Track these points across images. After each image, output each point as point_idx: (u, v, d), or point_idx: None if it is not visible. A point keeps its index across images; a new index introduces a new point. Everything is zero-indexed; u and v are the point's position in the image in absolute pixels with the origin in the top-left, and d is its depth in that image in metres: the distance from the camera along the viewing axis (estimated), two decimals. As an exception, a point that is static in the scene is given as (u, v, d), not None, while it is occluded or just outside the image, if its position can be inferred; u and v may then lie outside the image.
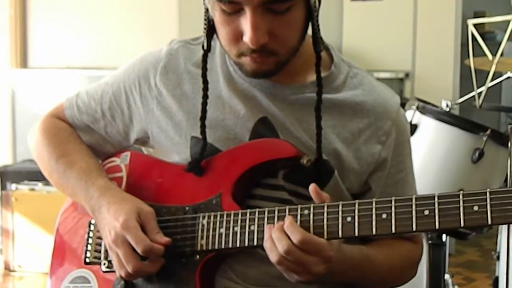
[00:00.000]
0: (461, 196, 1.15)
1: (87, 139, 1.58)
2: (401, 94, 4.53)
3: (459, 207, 1.14)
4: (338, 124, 1.42)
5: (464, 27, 3.33)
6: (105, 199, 1.42)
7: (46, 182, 4.05)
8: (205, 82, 1.42)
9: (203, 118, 1.40)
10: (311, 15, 1.34)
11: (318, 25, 1.35)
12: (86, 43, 5.02)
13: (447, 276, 2.81)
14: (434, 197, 1.17)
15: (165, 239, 1.35)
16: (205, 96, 1.41)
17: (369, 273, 1.37)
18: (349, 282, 1.39)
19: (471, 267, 4.36)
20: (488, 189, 1.13)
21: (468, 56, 2.76)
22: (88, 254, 1.49)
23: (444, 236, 2.76)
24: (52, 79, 4.86)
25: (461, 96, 3.49)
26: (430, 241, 2.66)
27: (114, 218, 1.36)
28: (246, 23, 1.28)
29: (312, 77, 1.41)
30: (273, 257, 1.24)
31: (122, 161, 1.54)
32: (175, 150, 1.46)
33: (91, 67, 4.88)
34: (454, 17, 4.63)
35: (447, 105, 2.82)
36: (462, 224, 1.13)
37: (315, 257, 1.22)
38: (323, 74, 1.41)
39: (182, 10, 4.84)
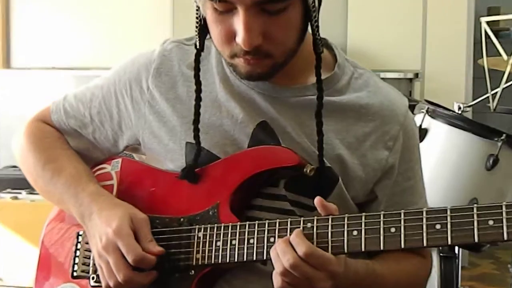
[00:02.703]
0: (475, 210, 1.14)
1: (75, 145, 1.59)
2: (410, 96, 4.53)
3: (473, 221, 1.14)
4: (341, 129, 1.43)
5: (477, 24, 3.33)
6: (96, 205, 1.42)
7: (30, 190, 4.05)
8: (198, 83, 1.42)
9: (196, 121, 1.40)
10: (309, 15, 1.34)
11: (317, 26, 1.35)
12: (73, 42, 5.01)
13: (460, 291, 2.82)
14: (446, 210, 1.17)
15: (158, 249, 1.35)
16: (198, 98, 1.41)
17: None
18: None
19: (486, 281, 4.36)
20: (504, 203, 1.13)
21: (482, 56, 2.76)
22: (76, 268, 1.49)
23: (456, 248, 2.76)
24: (37, 80, 4.86)
25: (474, 99, 3.49)
26: (441, 254, 2.66)
27: (106, 224, 1.36)
28: (238, 23, 1.28)
29: (314, 79, 1.41)
30: (277, 268, 1.24)
31: (113, 168, 1.55)
32: (169, 157, 1.46)
33: (79, 68, 4.88)
34: (467, 13, 4.63)
35: (459, 108, 2.83)
36: (476, 240, 1.13)
37: (322, 272, 1.22)
38: (325, 75, 1.41)
39: (176, 7, 4.84)
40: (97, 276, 1.43)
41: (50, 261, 1.58)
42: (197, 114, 1.41)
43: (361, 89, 1.47)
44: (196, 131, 1.40)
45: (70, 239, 1.55)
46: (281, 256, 1.22)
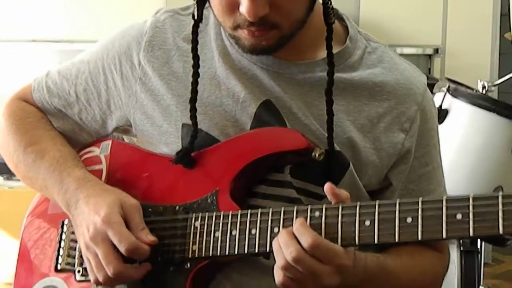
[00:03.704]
0: (500, 198, 1.14)
1: (60, 126, 1.59)
2: (429, 73, 4.53)
3: (498, 211, 1.14)
4: (353, 109, 1.43)
5: (504, -5, 3.33)
6: (83, 191, 1.42)
7: (9, 176, 4.06)
8: (196, 57, 1.42)
9: (193, 100, 1.41)
10: None
11: None
12: (56, 11, 5.00)
13: (482, 289, 2.83)
14: (468, 198, 1.17)
15: (151, 238, 1.36)
16: (196, 74, 1.42)
17: (385, 286, 1.39)
18: None
19: (511, 279, 4.37)
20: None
21: (509, 29, 2.76)
22: (60, 260, 1.50)
23: (479, 242, 2.77)
24: (16, 54, 4.85)
25: (500, 77, 3.49)
26: (462, 248, 2.67)
27: (94, 212, 1.37)
28: None
29: (323, 53, 1.41)
30: (278, 261, 1.24)
31: (102, 151, 1.55)
32: (164, 140, 1.46)
33: (62, 40, 4.87)
34: (493, -17, 4.63)
35: (483, 87, 2.83)
36: (501, 231, 1.13)
37: (328, 266, 1.22)
38: (336, 50, 1.41)
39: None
40: (84, 269, 1.44)
41: (31, 253, 1.58)
42: (194, 92, 1.41)
43: (375, 65, 1.47)
44: (193, 111, 1.40)
45: (53, 230, 1.55)
46: (283, 248, 1.23)
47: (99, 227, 1.35)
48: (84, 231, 1.39)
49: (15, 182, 3.96)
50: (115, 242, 1.34)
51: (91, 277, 1.39)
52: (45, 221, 1.58)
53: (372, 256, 1.35)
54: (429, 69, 4.65)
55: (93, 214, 1.37)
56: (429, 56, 4.68)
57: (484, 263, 2.93)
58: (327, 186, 1.26)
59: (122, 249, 1.33)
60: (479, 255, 2.75)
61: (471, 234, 1.15)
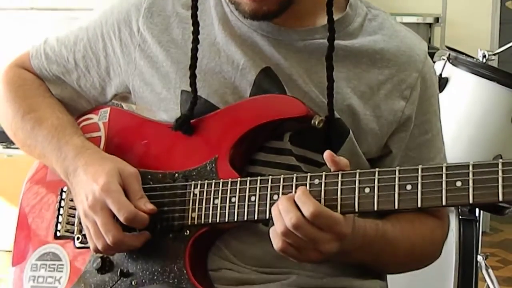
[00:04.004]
0: (500, 165, 1.15)
1: (58, 93, 1.59)
2: (430, 42, 4.52)
3: (498, 178, 1.14)
4: (353, 76, 1.43)
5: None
6: (81, 160, 1.42)
7: (7, 144, 4.06)
8: (196, 23, 1.42)
9: (193, 66, 1.40)
10: None
11: None
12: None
13: (480, 258, 2.84)
14: (468, 166, 1.17)
15: (150, 207, 1.36)
16: (196, 41, 1.41)
17: (384, 253, 1.39)
18: (360, 263, 1.41)
19: (509, 248, 4.39)
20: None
21: (510, -3, 2.75)
22: (59, 227, 1.50)
23: (477, 210, 2.78)
24: (14, 22, 4.83)
25: (500, 46, 3.48)
26: (460, 217, 2.67)
27: (92, 180, 1.37)
28: None
29: (324, 20, 1.41)
30: (278, 228, 1.24)
31: (100, 118, 1.55)
32: (163, 107, 1.46)
33: (61, 8, 4.85)
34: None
35: (483, 56, 2.82)
36: (500, 198, 1.14)
37: (327, 233, 1.23)
38: (336, 17, 1.41)
39: None
40: (83, 236, 1.44)
41: (30, 221, 1.59)
42: (194, 58, 1.40)
43: (376, 33, 1.46)
44: (193, 77, 1.40)
45: (52, 197, 1.56)
46: (283, 214, 1.23)
47: (97, 196, 1.35)
48: (83, 199, 1.39)
49: (14, 150, 3.96)
50: (114, 211, 1.34)
51: (90, 245, 1.40)
52: (43, 188, 1.59)
53: (371, 223, 1.35)
54: (429, 38, 4.63)
55: (92, 183, 1.37)
56: (429, 25, 4.66)
57: (482, 232, 2.94)
58: (327, 154, 1.26)
59: (121, 218, 1.34)
60: (477, 223, 2.75)
61: (470, 201, 1.15)
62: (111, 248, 1.37)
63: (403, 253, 1.42)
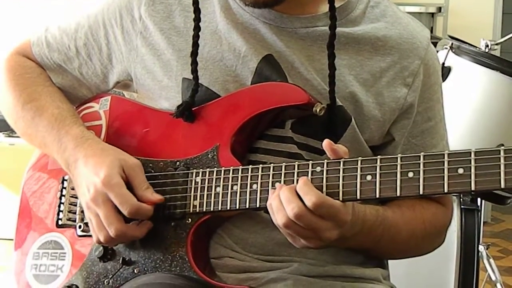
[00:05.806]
0: (502, 152, 1.15)
1: (59, 81, 1.58)
2: (432, 32, 4.51)
3: (500, 165, 1.14)
4: (355, 64, 1.43)
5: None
6: (81, 151, 1.42)
7: (9, 133, 4.06)
8: (197, 10, 1.41)
9: (194, 54, 1.40)
10: None
11: None
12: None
13: (481, 248, 2.84)
14: (470, 153, 1.17)
15: (157, 197, 1.36)
16: (197, 28, 1.41)
17: (384, 239, 1.39)
18: (360, 249, 1.41)
19: (510, 238, 4.39)
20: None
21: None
22: (61, 215, 1.50)
23: (479, 200, 2.78)
24: (15, 9, 4.83)
25: (503, 35, 3.48)
26: (462, 206, 2.67)
27: (93, 173, 1.37)
28: None
29: (325, 7, 1.41)
30: (279, 219, 1.24)
31: (101, 107, 1.55)
32: (164, 95, 1.46)
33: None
34: None
35: (486, 46, 2.81)
36: (502, 185, 1.14)
37: (328, 222, 1.23)
38: (338, 4, 1.41)
39: None
40: (85, 224, 1.45)
41: (32, 209, 1.59)
42: (195, 45, 1.40)
43: (378, 20, 1.46)
44: (194, 64, 1.40)
45: (54, 185, 1.56)
46: (285, 204, 1.23)
47: (99, 188, 1.35)
48: (84, 191, 1.39)
49: (16, 139, 3.97)
50: (117, 204, 1.34)
51: (93, 237, 1.40)
52: (45, 175, 1.59)
53: (371, 209, 1.35)
54: (432, 28, 4.63)
55: (93, 175, 1.37)
56: (432, 14, 4.66)
57: (483, 222, 2.94)
58: (325, 143, 1.26)
59: (124, 211, 1.34)
60: (478, 213, 2.75)
61: (472, 188, 1.15)
62: (114, 240, 1.37)
63: (404, 238, 1.42)
